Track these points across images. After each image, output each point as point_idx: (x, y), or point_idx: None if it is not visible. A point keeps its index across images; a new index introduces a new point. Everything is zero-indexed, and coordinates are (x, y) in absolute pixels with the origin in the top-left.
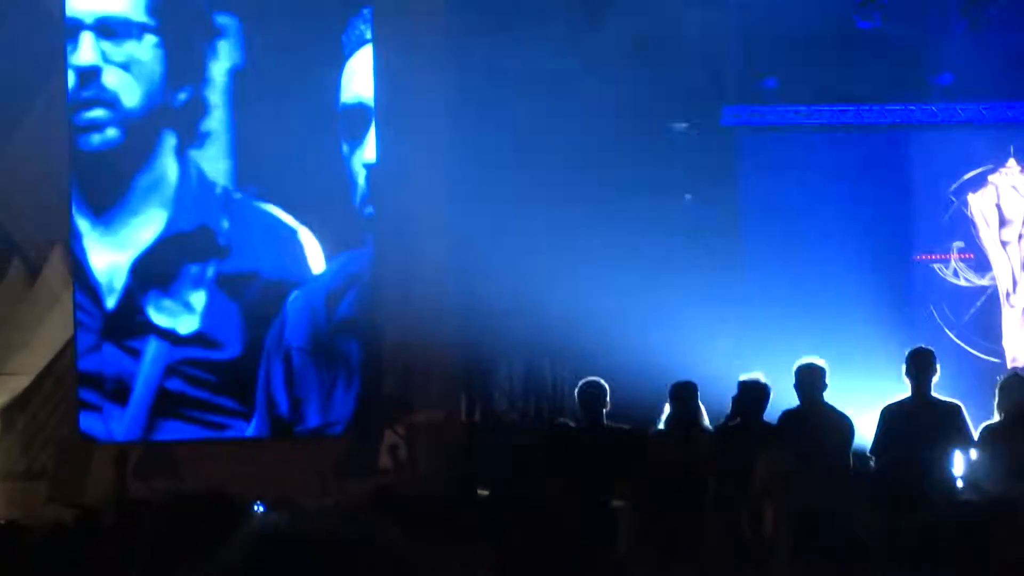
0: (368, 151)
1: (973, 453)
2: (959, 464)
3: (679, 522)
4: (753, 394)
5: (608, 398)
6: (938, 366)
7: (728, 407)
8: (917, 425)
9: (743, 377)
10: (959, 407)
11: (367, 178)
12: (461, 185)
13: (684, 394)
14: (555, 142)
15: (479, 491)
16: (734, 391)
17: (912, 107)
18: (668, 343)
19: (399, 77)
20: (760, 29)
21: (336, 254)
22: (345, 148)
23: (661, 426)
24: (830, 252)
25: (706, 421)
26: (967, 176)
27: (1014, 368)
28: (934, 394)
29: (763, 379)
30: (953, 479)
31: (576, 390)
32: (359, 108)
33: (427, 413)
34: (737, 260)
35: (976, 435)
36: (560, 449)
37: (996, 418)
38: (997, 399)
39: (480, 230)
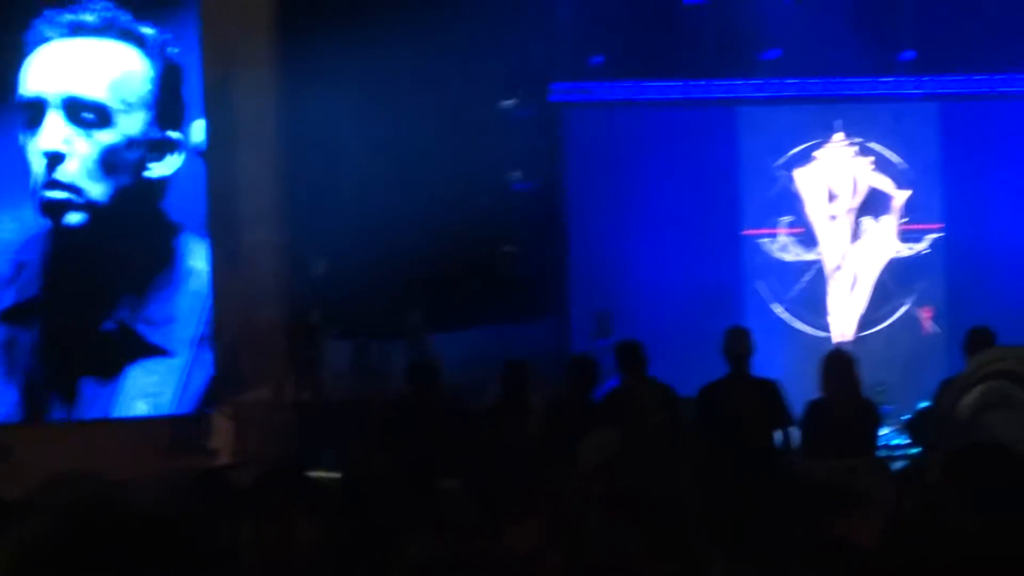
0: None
1: (794, 430)
2: (781, 441)
3: (506, 501)
4: (583, 370)
5: (440, 376)
6: (752, 343)
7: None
8: (736, 403)
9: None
10: (776, 384)
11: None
12: (289, 171)
13: (514, 373)
14: (382, 122)
15: (307, 471)
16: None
17: (739, 82)
18: (500, 324)
19: (225, 69)
20: (587, 4)
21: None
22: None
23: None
24: (657, 227)
25: (537, 400)
26: (794, 151)
27: (839, 344)
28: (753, 373)
29: (591, 357)
30: (774, 456)
31: (407, 368)
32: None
33: (255, 393)
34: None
35: (799, 411)
36: (389, 426)
37: (820, 394)
38: (820, 375)
39: (309, 211)
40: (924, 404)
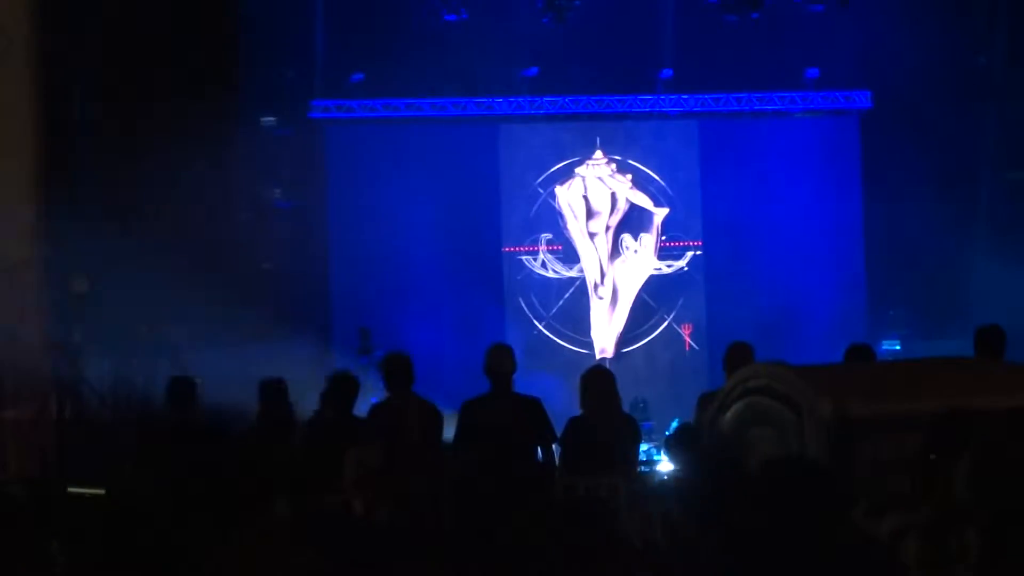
0: None
1: (556, 447)
2: (543, 458)
3: (263, 520)
4: (342, 387)
5: (197, 393)
6: (514, 361)
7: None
8: (498, 420)
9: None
10: (538, 401)
11: None
12: (48, 187)
13: (273, 391)
14: (143, 139)
15: (70, 489)
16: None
17: (499, 100)
18: (263, 341)
19: None
20: (346, 22)
21: None
22: None
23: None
24: (419, 244)
25: (298, 417)
26: (554, 168)
27: (599, 360)
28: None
29: (351, 373)
30: (537, 473)
31: (166, 386)
32: None
33: (15, 411)
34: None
35: (561, 428)
36: (150, 445)
37: (581, 411)
38: (581, 392)
39: (70, 228)
40: (678, 421)
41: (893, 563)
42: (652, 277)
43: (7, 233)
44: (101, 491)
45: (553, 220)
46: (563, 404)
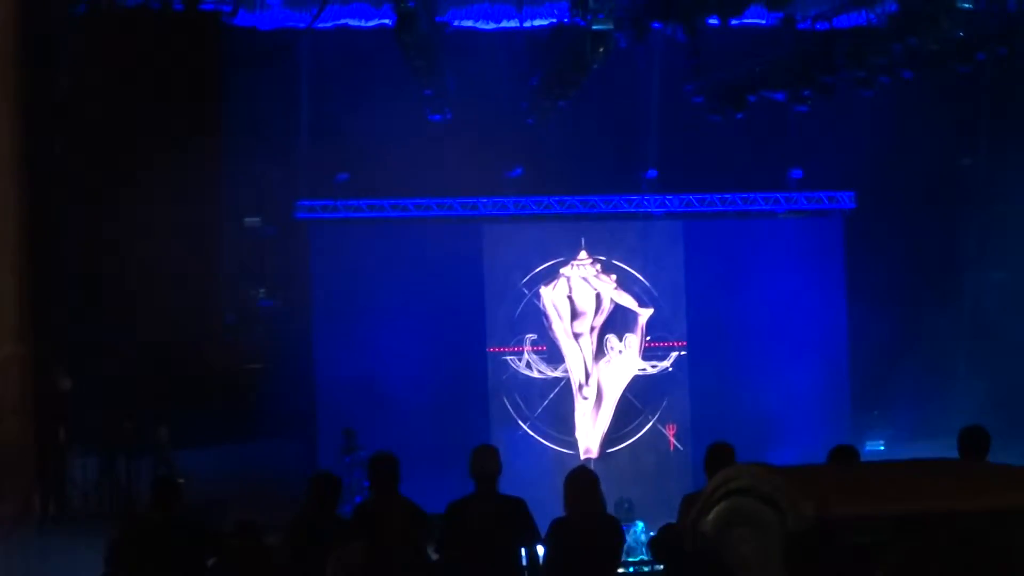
0: None
1: (540, 549)
2: (528, 559)
3: None
4: (325, 487)
5: (181, 494)
6: (499, 462)
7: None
8: (480, 521)
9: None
10: (522, 502)
11: None
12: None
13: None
14: (127, 238)
15: None
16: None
17: (484, 200)
18: (246, 441)
19: None
20: (332, 122)
21: None
22: None
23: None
24: (404, 343)
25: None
26: (539, 268)
27: (583, 461)
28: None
29: (333, 474)
30: (520, 574)
31: (151, 486)
32: None
33: (3, 505)
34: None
35: (546, 530)
36: (130, 544)
37: (565, 512)
38: (565, 493)
39: (55, 325)
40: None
41: None
42: (637, 377)
43: None
44: None
45: (538, 320)
46: (547, 504)
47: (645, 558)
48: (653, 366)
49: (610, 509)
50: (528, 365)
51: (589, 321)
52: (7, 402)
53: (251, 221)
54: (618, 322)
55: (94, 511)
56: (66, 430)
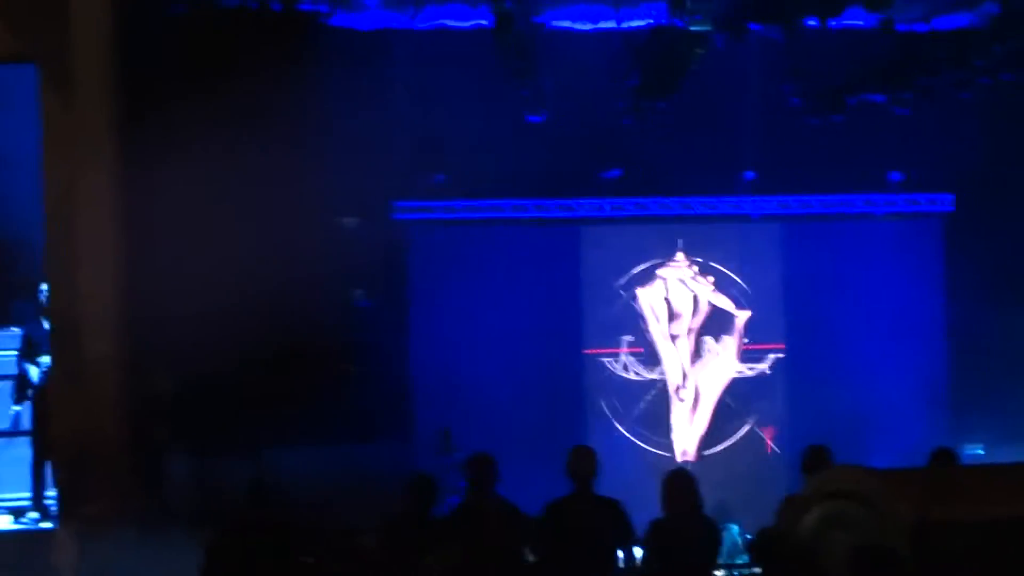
0: None
1: (638, 550)
2: (625, 560)
3: None
4: (422, 488)
5: (279, 493)
6: (597, 463)
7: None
8: (577, 522)
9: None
10: (619, 503)
11: None
12: (131, 285)
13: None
14: (227, 241)
15: None
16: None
17: (581, 201)
18: (344, 442)
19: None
20: (430, 123)
21: None
22: None
23: None
24: (499, 345)
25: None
26: (636, 270)
27: (681, 463)
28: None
29: (431, 475)
30: None
31: (248, 485)
32: None
33: (99, 504)
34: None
35: (644, 531)
36: (230, 544)
37: (663, 514)
38: (662, 495)
39: (153, 326)
40: (736, 527)
41: None
42: (734, 379)
43: (90, 330)
44: None
45: (635, 322)
46: (644, 506)
47: (741, 561)
48: (750, 368)
49: (707, 511)
50: (625, 367)
51: (686, 323)
52: (105, 401)
53: (348, 222)
54: (715, 324)
55: (191, 511)
56: (164, 430)
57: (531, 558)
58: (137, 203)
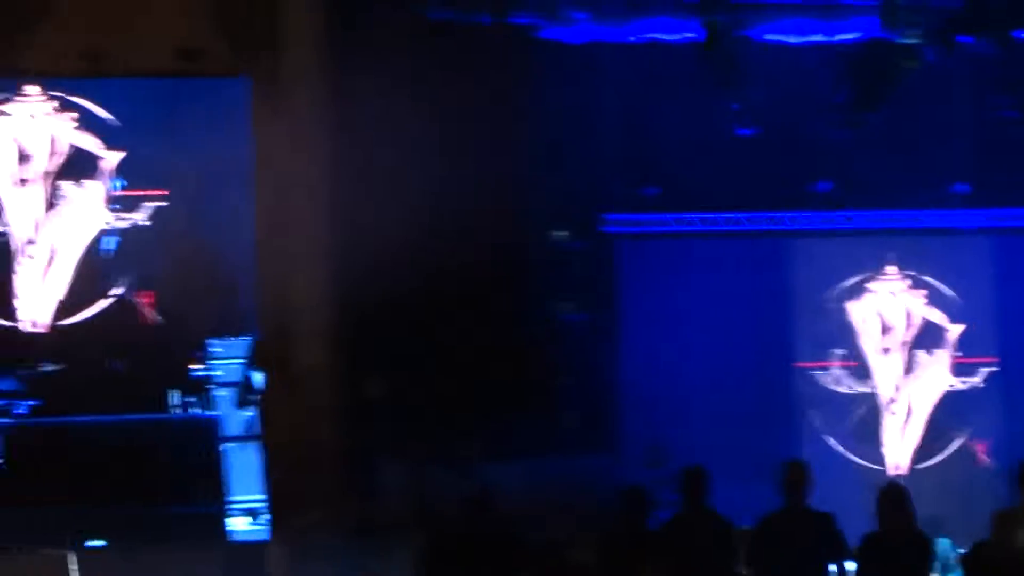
0: None
1: (850, 564)
2: (838, 574)
3: None
4: (636, 500)
5: (495, 505)
6: (810, 477)
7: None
8: (790, 536)
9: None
10: (831, 517)
11: None
12: (344, 295)
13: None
14: (435, 256)
15: None
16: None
17: (791, 214)
18: (553, 454)
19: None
20: (638, 136)
21: None
22: None
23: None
24: (709, 358)
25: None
26: (848, 283)
27: (894, 476)
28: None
29: (645, 487)
30: None
31: (461, 495)
32: None
33: (311, 516)
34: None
35: (855, 545)
36: (442, 553)
37: (876, 527)
38: (876, 508)
39: (366, 336)
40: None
41: None
42: (946, 393)
43: (303, 340)
44: None
45: (846, 335)
46: (855, 520)
47: (955, 575)
48: (963, 382)
49: (918, 525)
50: (836, 380)
51: (899, 336)
52: (318, 409)
53: (558, 235)
54: (928, 338)
55: (402, 521)
56: (375, 438)
57: (744, 572)
58: (349, 213)
